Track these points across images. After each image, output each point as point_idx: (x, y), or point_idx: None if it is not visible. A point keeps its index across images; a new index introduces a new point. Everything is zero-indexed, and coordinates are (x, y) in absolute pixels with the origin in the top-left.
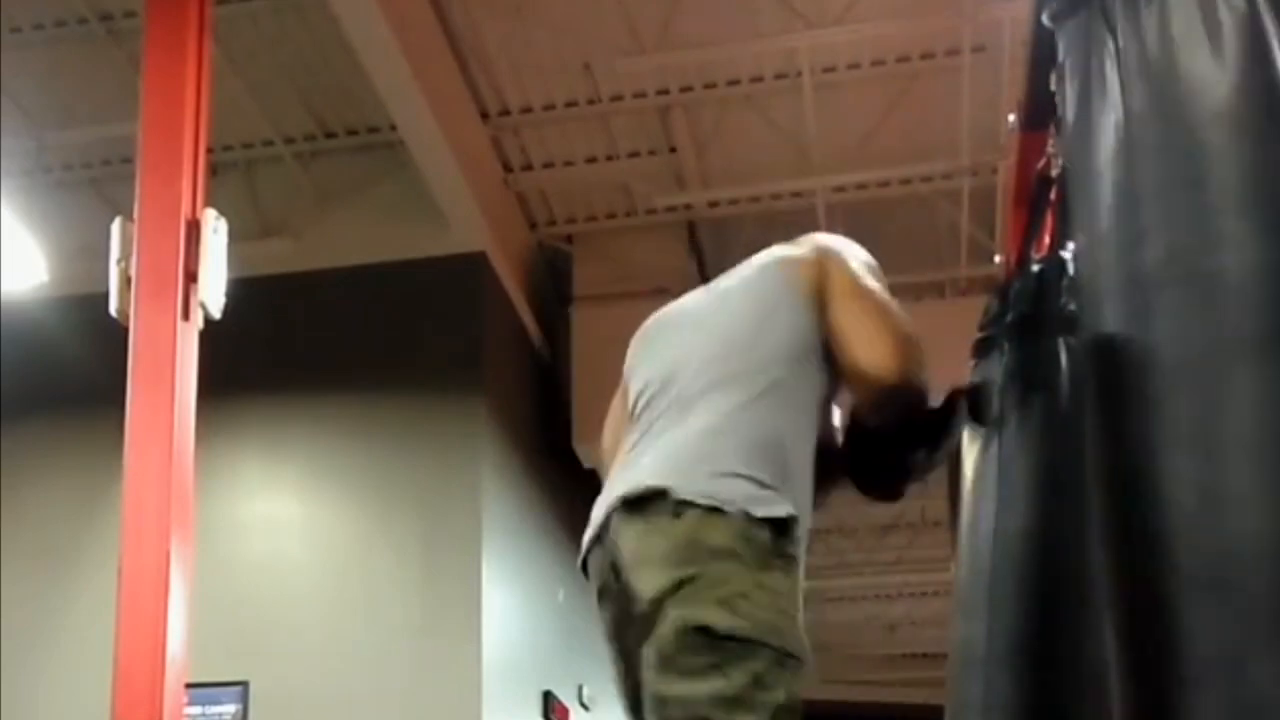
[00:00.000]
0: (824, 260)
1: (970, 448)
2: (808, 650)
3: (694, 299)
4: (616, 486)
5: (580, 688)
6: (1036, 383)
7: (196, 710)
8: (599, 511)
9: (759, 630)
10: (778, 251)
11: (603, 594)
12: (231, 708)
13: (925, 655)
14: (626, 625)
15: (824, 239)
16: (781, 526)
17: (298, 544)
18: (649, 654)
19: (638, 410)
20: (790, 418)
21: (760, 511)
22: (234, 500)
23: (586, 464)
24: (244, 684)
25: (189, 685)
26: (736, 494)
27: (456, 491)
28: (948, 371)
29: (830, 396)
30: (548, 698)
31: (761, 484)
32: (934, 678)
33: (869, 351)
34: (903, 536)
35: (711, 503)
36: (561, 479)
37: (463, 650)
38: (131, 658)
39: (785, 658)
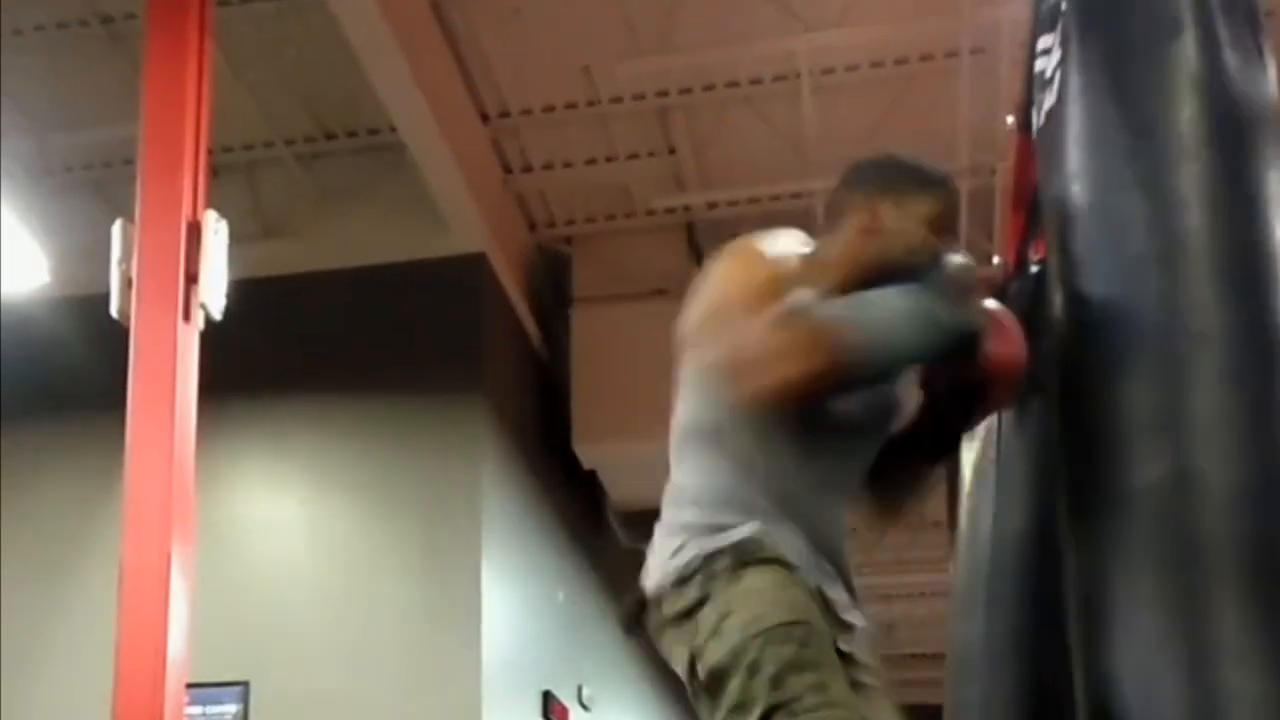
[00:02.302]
0: (697, 336)
1: (969, 447)
2: (798, 613)
3: None
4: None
5: (580, 688)
6: (1035, 383)
7: (197, 710)
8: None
9: (744, 632)
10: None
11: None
12: (232, 708)
13: (925, 655)
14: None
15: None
16: (740, 548)
17: (298, 544)
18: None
19: None
20: (730, 462)
21: (709, 547)
22: (234, 501)
23: (586, 464)
24: (245, 684)
25: (190, 685)
26: (689, 553)
27: (456, 491)
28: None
29: (792, 418)
30: (548, 698)
31: (702, 528)
32: (933, 678)
33: (747, 383)
34: (902, 536)
35: (677, 575)
36: (561, 479)
37: (463, 650)
38: (132, 658)
39: (773, 631)
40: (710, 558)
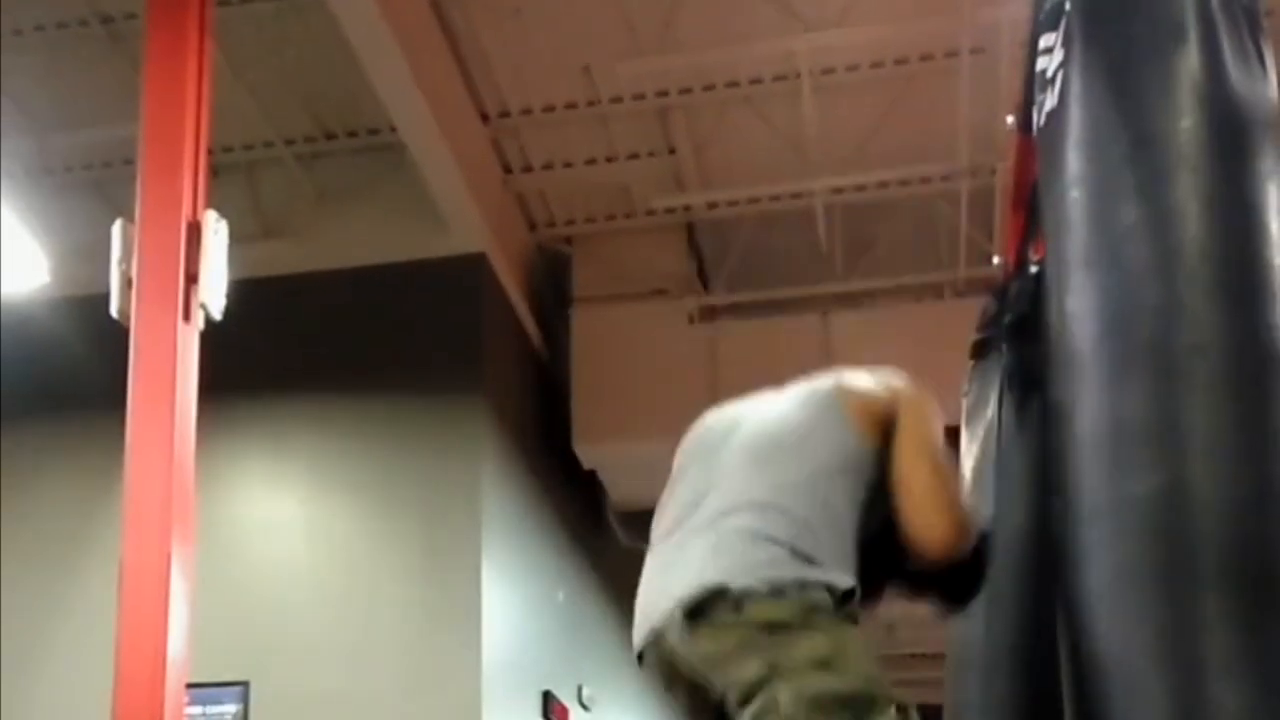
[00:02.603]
0: (899, 403)
1: (969, 448)
2: (890, 693)
3: (748, 408)
4: (669, 586)
5: (580, 688)
6: (1035, 383)
7: (197, 710)
8: (647, 613)
9: (870, 684)
10: (840, 379)
11: (671, 684)
12: (232, 708)
13: (925, 655)
14: (706, 713)
15: (902, 384)
16: (839, 595)
17: (298, 544)
18: None
19: (677, 515)
20: (821, 511)
21: (814, 577)
22: (234, 501)
23: (586, 464)
24: (245, 684)
25: (190, 685)
26: (786, 570)
27: (456, 491)
28: (947, 373)
29: (872, 519)
30: (548, 698)
31: (796, 553)
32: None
33: (930, 529)
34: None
35: (770, 585)
36: (561, 479)
37: (463, 650)
38: (132, 658)
39: (892, 708)
40: (808, 586)
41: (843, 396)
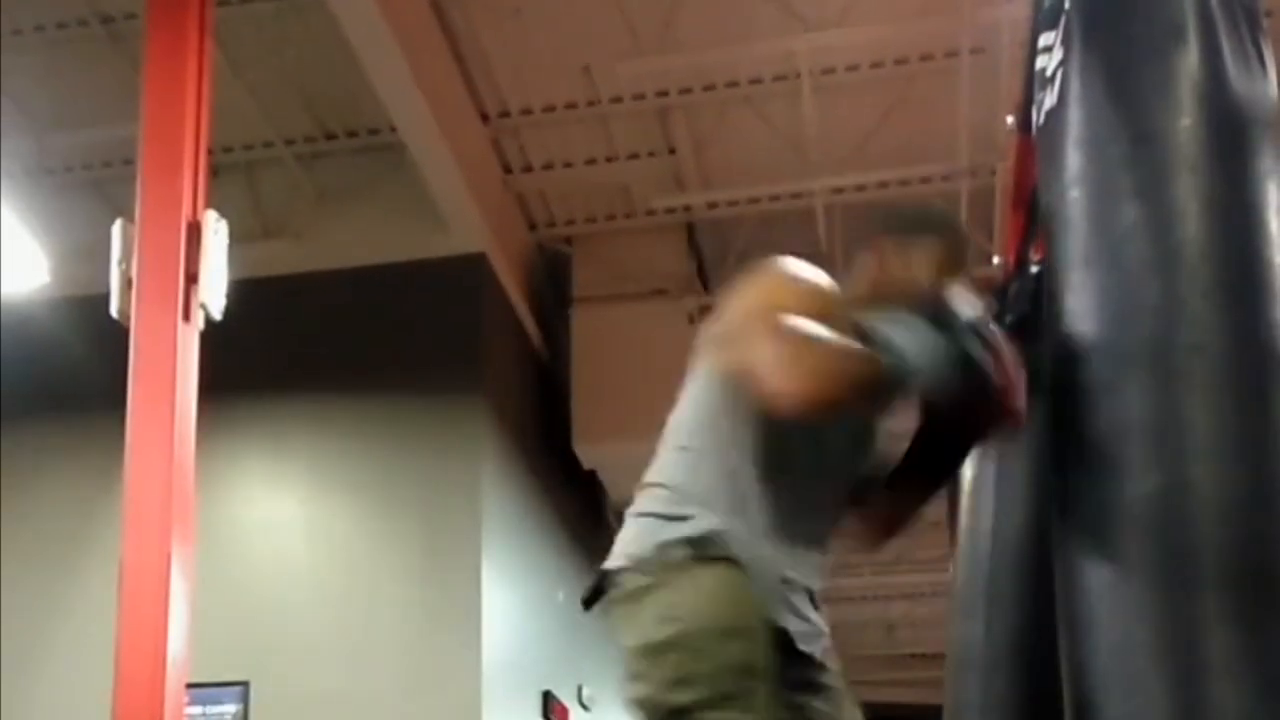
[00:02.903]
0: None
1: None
2: (742, 619)
3: None
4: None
5: (580, 688)
6: (1035, 384)
7: (197, 710)
8: None
9: (691, 623)
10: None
11: None
12: (232, 708)
13: (924, 655)
14: None
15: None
16: (695, 542)
17: (298, 544)
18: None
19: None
20: (713, 463)
21: (665, 536)
22: (234, 501)
23: (586, 464)
24: (244, 684)
25: (190, 685)
26: (645, 539)
27: (456, 491)
28: None
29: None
30: (548, 698)
31: (663, 517)
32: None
33: (786, 390)
34: (902, 537)
35: (632, 558)
36: (561, 479)
37: (463, 650)
38: (132, 658)
39: (719, 632)
40: (666, 546)
41: (707, 350)
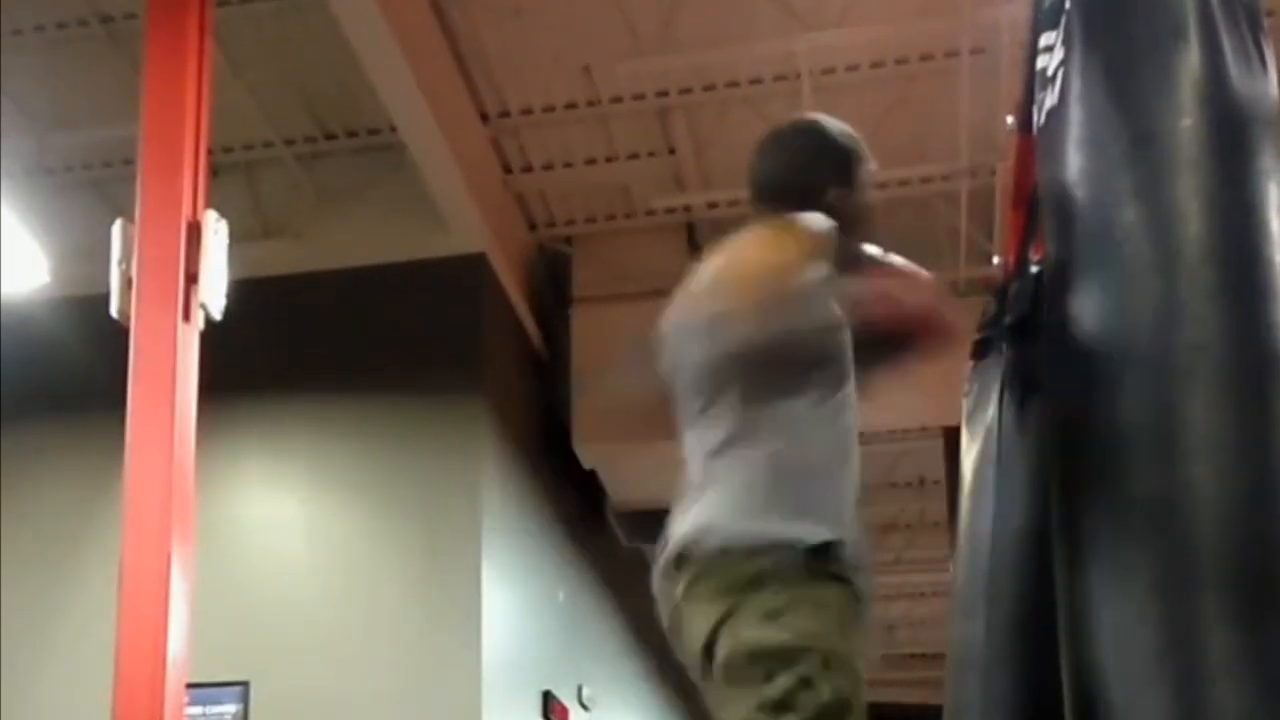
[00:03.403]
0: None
1: (969, 448)
2: (857, 654)
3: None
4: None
5: (580, 688)
6: (1035, 384)
7: (197, 710)
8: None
9: (800, 637)
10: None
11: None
12: (232, 708)
13: (924, 655)
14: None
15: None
16: (818, 551)
17: (298, 544)
18: (710, 692)
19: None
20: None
21: (777, 535)
22: (234, 500)
23: (586, 464)
24: (244, 684)
25: (190, 685)
26: (749, 524)
27: (456, 491)
28: (946, 372)
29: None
30: (548, 698)
31: (770, 509)
32: (933, 678)
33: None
34: (901, 537)
35: (745, 542)
36: (561, 479)
37: (463, 650)
38: (132, 657)
39: (831, 659)
40: (779, 546)
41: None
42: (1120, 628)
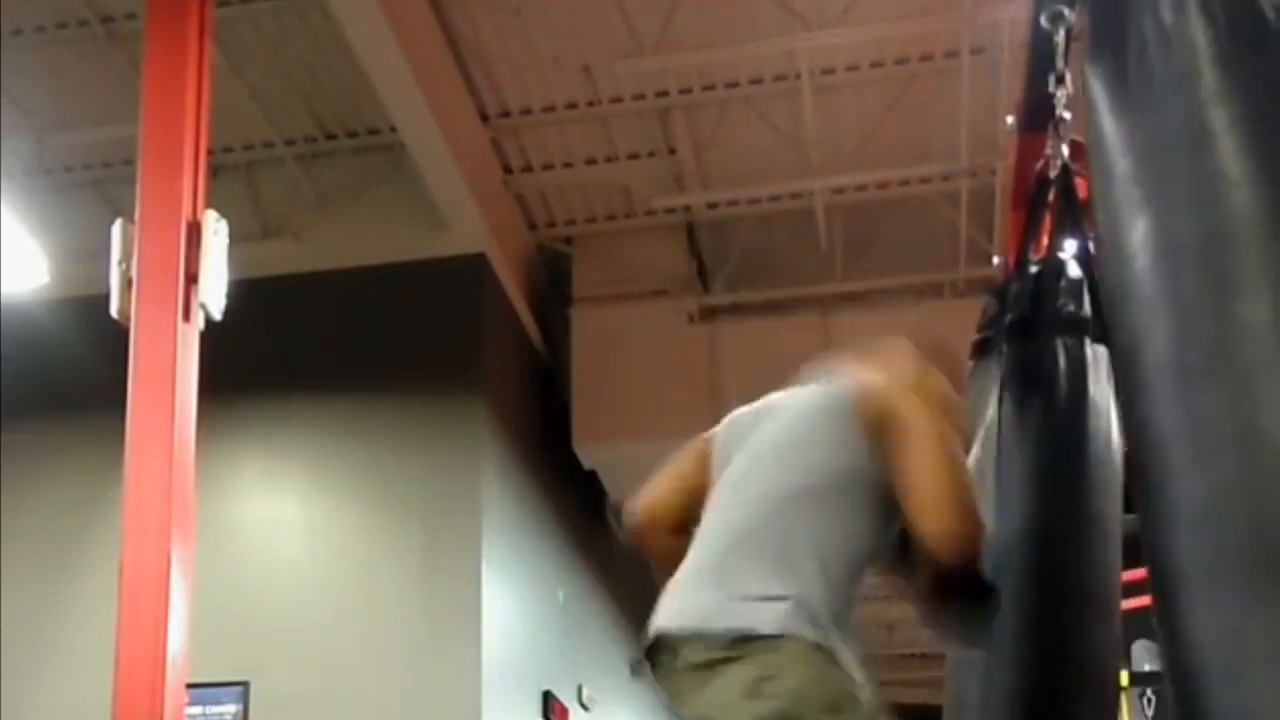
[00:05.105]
0: (908, 400)
1: (970, 448)
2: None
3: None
4: (680, 611)
5: (580, 688)
6: (1035, 383)
7: (197, 710)
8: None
9: (791, 699)
10: (842, 381)
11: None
12: (232, 708)
13: (925, 655)
14: None
15: (904, 367)
16: (790, 625)
17: (298, 544)
18: None
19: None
20: (825, 527)
21: (815, 638)
22: (235, 501)
23: (586, 464)
24: (244, 684)
25: (189, 685)
26: (782, 620)
27: (456, 492)
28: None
29: (884, 517)
30: (548, 698)
31: (757, 598)
32: (933, 678)
33: (937, 522)
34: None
35: (763, 630)
36: (561, 479)
37: (463, 650)
38: (132, 657)
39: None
40: (804, 636)
41: (857, 405)
42: (1208, 625)
